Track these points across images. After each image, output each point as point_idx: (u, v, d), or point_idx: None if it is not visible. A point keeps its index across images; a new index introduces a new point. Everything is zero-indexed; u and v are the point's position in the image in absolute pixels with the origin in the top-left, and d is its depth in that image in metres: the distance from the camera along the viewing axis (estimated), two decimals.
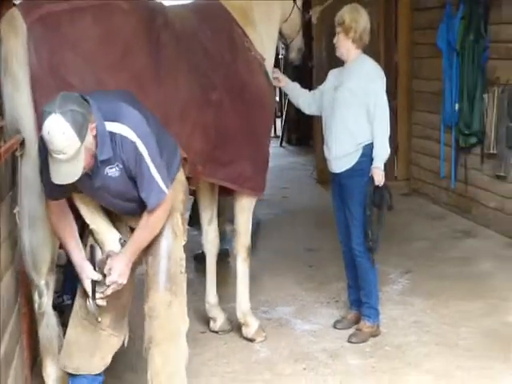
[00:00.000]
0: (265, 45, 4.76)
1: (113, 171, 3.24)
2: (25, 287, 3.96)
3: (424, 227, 7.49)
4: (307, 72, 10.34)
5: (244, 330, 4.85)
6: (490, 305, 5.27)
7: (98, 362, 3.53)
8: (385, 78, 4.79)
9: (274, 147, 12.86)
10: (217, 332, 4.98)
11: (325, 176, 9.40)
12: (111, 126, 3.17)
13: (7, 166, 3.69)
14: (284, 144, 13.31)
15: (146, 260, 3.53)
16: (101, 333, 3.50)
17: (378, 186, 4.60)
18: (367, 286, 4.87)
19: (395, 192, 7.37)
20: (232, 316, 4.97)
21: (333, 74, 4.93)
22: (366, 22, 4.74)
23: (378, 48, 8.89)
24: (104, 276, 3.38)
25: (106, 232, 3.49)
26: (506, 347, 4.57)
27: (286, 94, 12.96)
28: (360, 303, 4.99)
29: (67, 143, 2.94)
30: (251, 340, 4.82)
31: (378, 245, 4.74)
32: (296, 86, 5.16)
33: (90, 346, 3.48)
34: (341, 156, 4.72)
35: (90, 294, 3.38)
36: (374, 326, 4.87)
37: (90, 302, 3.40)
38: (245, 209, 4.80)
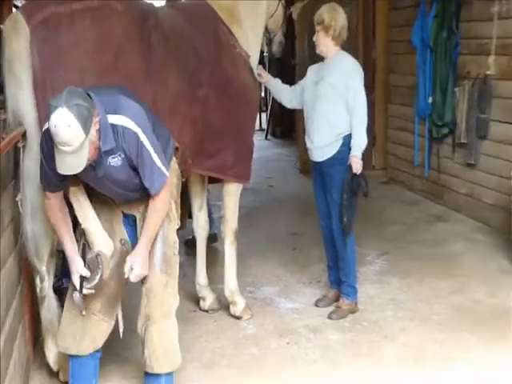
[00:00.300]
0: (250, 42, 4.75)
1: (115, 161, 3.27)
2: (27, 271, 4.00)
3: (400, 212, 7.53)
4: (290, 69, 10.45)
5: (232, 309, 4.88)
6: (460, 283, 5.33)
7: (87, 344, 3.53)
8: (363, 74, 4.80)
9: (259, 140, 12.99)
10: (207, 311, 5.00)
11: (307, 166, 9.39)
12: (113, 118, 3.20)
13: (9, 156, 3.71)
14: (269, 137, 13.36)
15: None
16: (92, 317, 3.51)
17: (355, 174, 4.62)
18: (346, 266, 4.91)
19: (374, 180, 7.51)
20: (220, 296, 5.00)
21: (312, 71, 4.94)
22: (343, 20, 4.75)
23: (357, 45, 8.94)
24: (92, 273, 3.39)
25: (96, 233, 3.50)
26: (475, 322, 4.63)
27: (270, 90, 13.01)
28: (339, 282, 5.02)
29: (73, 135, 2.95)
30: (238, 318, 4.84)
31: (351, 226, 4.77)
32: (278, 81, 5.16)
33: (80, 329, 3.50)
34: (322, 146, 4.75)
35: (78, 287, 3.40)
36: (353, 303, 4.92)
37: (76, 295, 3.42)
38: (231, 195, 4.81)
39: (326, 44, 4.74)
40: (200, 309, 5.04)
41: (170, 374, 3.65)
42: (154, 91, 3.95)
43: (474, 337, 4.40)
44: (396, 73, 8.71)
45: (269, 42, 5.25)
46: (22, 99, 3.61)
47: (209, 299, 5.03)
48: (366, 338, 4.49)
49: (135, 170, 3.34)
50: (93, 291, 3.40)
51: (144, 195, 3.45)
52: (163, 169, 3.36)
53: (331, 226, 4.89)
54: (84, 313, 3.45)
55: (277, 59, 12.65)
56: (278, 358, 4.27)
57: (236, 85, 4.58)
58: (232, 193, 4.82)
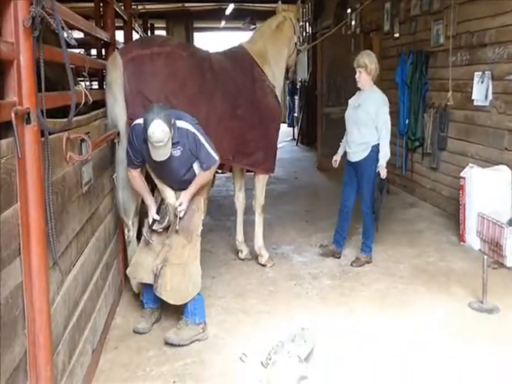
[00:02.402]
0: (275, 76, 4.67)
1: (176, 151, 3.32)
2: (121, 224, 4.10)
3: (385, 200, 7.38)
4: (314, 96, 10.39)
5: (259, 259, 4.88)
6: (420, 250, 5.22)
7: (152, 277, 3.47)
8: (388, 104, 4.68)
9: (291, 146, 13.03)
10: (242, 259, 5.00)
11: (322, 165, 9.43)
12: (179, 123, 3.29)
13: (109, 148, 3.81)
14: (298, 144, 13.21)
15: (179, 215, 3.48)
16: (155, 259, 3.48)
17: (381, 178, 4.59)
18: (367, 232, 4.85)
19: None
20: (252, 250, 5.00)
21: (352, 98, 4.82)
22: (377, 63, 4.67)
23: None
24: (162, 218, 3.46)
25: (166, 191, 3.56)
26: (426, 277, 4.56)
27: (303, 113, 12.99)
28: (338, 244, 5.00)
29: (164, 135, 3.08)
30: (263, 265, 4.83)
31: (380, 212, 4.77)
32: (339, 152, 4.93)
33: (149, 266, 3.48)
34: (357, 151, 4.67)
35: (150, 224, 3.48)
36: (368, 257, 4.86)
37: (147, 230, 3.51)
38: (260, 182, 4.78)
39: (365, 80, 4.63)
40: (238, 258, 5.04)
41: (194, 304, 3.47)
42: (205, 110, 3.97)
43: (424, 287, 4.33)
44: None
45: (286, 72, 5.03)
46: (117, 110, 3.70)
47: (244, 251, 5.02)
48: (349, 284, 4.44)
49: (188, 160, 3.37)
50: (161, 229, 3.45)
51: (186, 184, 3.47)
52: (215, 155, 3.40)
53: (351, 205, 4.85)
54: (152, 241, 3.49)
55: (305, 89, 12.66)
56: (287, 294, 4.27)
57: (264, 106, 4.53)
58: (261, 180, 4.78)
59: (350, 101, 4.83)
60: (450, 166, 6.34)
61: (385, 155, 4.58)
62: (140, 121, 3.27)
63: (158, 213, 3.50)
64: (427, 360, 3.23)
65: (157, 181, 3.57)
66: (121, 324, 3.73)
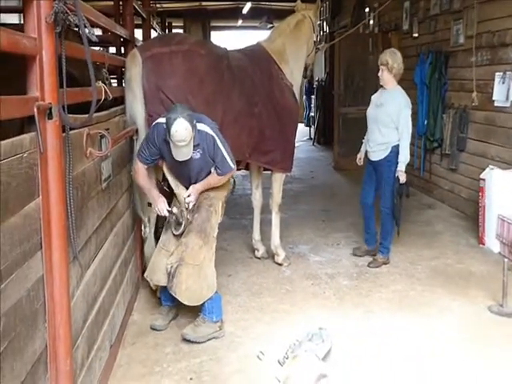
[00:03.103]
0: (294, 75, 4.64)
1: (195, 154, 3.32)
2: (138, 221, 4.10)
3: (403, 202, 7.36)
4: (331, 96, 10.31)
5: (275, 258, 4.86)
6: (438, 252, 5.16)
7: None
8: (411, 105, 4.63)
9: (307, 145, 12.99)
10: (259, 258, 4.99)
11: (338, 165, 9.40)
12: (199, 126, 3.28)
13: (127, 145, 3.81)
14: (315, 144, 13.14)
15: (195, 216, 3.47)
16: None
17: (401, 184, 4.54)
18: (385, 232, 4.81)
19: None
20: (269, 248, 4.97)
21: (374, 96, 4.80)
22: (401, 62, 4.60)
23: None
24: (178, 224, 3.45)
25: (182, 193, 3.53)
26: (444, 278, 4.51)
27: (319, 112, 12.92)
28: (370, 242, 4.98)
29: (187, 134, 3.09)
30: (280, 264, 4.81)
31: (400, 216, 4.74)
32: (362, 149, 4.91)
33: (164, 268, 3.43)
34: (377, 150, 4.63)
35: (174, 223, 3.47)
36: (385, 258, 4.82)
37: (171, 231, 3.49)
38: (277, 181, 4.75)
39: (388, 79, 4.60)
40: (255, 256, 5.02)
41: (210, 304, 3.45)
42: (223, 107, 3.97)
43: (443, 289, 4.27)
44: None
45: (304, 70, 4.98)
46: (136, 107, 3.71)
47: (261, 250, 5.00)
48: (366, 285, 4.41)
49: (207, 164, 3.39)
50: (179, 233, 3.45)
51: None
52: (231, 163, 3.40)
53: (370, 202, 4.83)
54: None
55: (322, 89, 12.61)
56: (304, 293, 4.25)
57: (281, 104, 4.49)
58: (278, 179, 4.76)
59: (373, 97, 4.80)
60: (469, 168, 6.25)
61: (404, 159, 4.53)
62: (162, 120, 3.27)
63: (170, 212, 3.49)
64: (445, 363, 3.18)
65: (173, 184, 3.56)
66: (138, 320, 3.74)
